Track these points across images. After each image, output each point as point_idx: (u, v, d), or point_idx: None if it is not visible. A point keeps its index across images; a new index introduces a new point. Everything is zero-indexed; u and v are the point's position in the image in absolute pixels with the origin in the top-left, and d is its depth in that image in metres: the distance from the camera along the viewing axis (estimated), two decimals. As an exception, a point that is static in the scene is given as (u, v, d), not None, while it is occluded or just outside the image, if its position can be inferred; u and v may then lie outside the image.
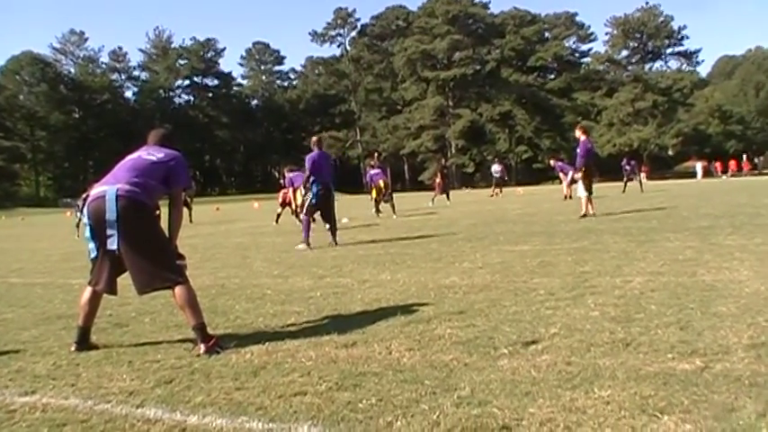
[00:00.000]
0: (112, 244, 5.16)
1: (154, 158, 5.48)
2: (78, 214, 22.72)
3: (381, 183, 23.59)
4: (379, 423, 3.40)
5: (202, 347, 5.07)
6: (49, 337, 6.09)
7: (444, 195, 30.34)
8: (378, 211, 23.39)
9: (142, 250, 5.19)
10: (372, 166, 25.29)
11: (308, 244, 12.77)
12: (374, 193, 23.65)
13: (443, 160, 38.82)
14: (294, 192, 19.03)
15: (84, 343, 5.45)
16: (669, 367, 3.99)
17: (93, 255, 5.43)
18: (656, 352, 4.32)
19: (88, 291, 5.51)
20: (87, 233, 5.37)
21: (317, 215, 13.57)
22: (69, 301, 8.08)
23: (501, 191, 38.17)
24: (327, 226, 13.52)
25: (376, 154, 29.53)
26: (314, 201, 13.04)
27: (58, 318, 7.09)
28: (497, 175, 38.79)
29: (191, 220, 25.33)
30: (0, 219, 56.86)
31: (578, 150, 17.14)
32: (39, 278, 11.01)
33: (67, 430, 3.63)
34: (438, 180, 31.58)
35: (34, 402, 4.15)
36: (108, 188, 5.22)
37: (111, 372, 4.74)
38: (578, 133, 17.63)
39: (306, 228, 13.05)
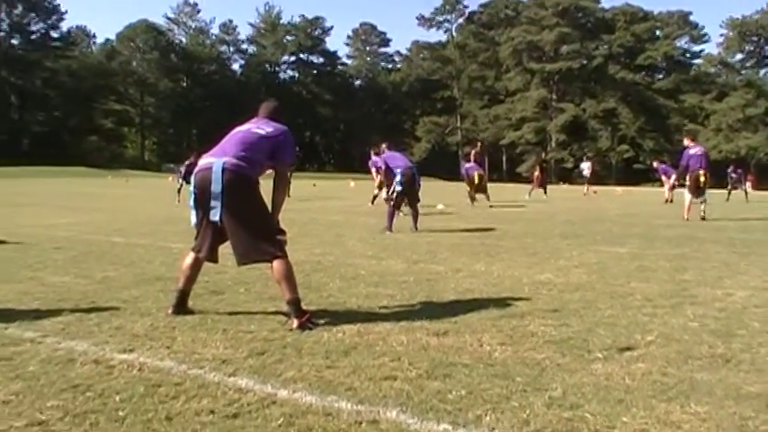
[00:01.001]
0: (215, 215, 5.27)
1: (263, 132, 5.55)
2: (180, 180, 23.28)
3: (476, 174, 23.39)
4: (468, 416, 3.38)
5: (295, 322, 5.13)
6: (148, 298, 6.26)
7: (542, 189, 29.90)
8: (473, 200, 23.21)
9: (244, 223, 5.28)
10: (468, 160, 25.03)
11: (391, 231, 12.79)
12: (469, 185, 23.47)
13: (543, 154, 38.27)
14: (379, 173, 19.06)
15: (181, 306, 5.59)
16: (772, 389, 3.84)
17: (193, 222, 5.56)
18: (758, 372, 4.17)
19: (190, 256, 5.64)
20: (191, 201, 5.49)
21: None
22: (168, 264, 8.30)
23: (594, 189, 37.47)
24: (410, 210, 13.54)
25: (479, 144, 29.12)
26: (399, 187, 13.02)
27: (157, 279, 7.28)
28: (586, 173, 38.18)
29: (288, 194, 25.64)
30: (107, 178, 58.81)
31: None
32: (140, 239, 11.31)
33: (162, 391, 3.71)
34: (536, 173, 31.08)
35: (132, 361, 4.27)
36: (215, 160, 5.32)
37: (205, 338, 4.84)
38: (685, 141, 17.74)
39: (390, 217, 13.04)
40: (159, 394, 3.67)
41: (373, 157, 20.15)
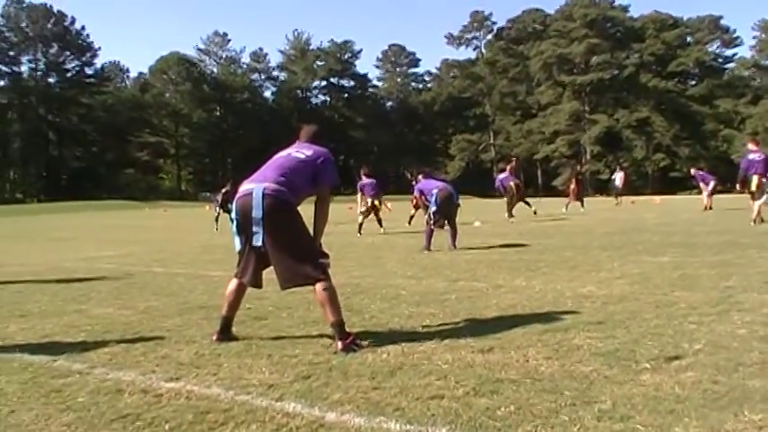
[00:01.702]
0: (257, 240, 5.29)
1: (302, 156, 5.58)
2: (218, 208, 23.45)
3: (512, 184, 23.48)
4: (518, 432, 3.36)
5: (340, 344, 5.14)
6: (192, 326, 6.31)
7: (578, 202, 29.65)
8: (510, 215, 23.16)
9: (286, 247, 5.29)
10: (502, 170, 25.15)
11: (429, 250, 12.79)
12: (508, 196, 23.54)
13: (578, 166, 37.87)
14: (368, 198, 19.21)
15: (225, 333, 5.63)
16: (827, 394, 3.77)
17: (238, 248, 5.59)
18: (811, 376, 4.10)
19: (234, 282, 5.67)
20: (234, 228, 5.53)
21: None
22: (210, 292, 8.36)
23: (632, 200, 36.81)
24: (449, 228, 13.42)
25: (514, 159, 29.12)
26: (434, 207, 12.97)
27: (200, 308, 7.33)
28: (618, 183, 37.71)
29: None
30: (144, 210, 59.39)
31: None
32: (180, 268, 11.41)
33: (210, 418, 3.73)
34: (572, 186, 30.87)
35: (179, 389, 4.30)
36: (255, 186, 5.35)
37: (250, 364, 4.86)
38: (749, 145, 18.65)
39: (428, 237, 13.03)
40: (208, 421, 3.69)
41: (364, 179, 19.69)
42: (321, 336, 5.59)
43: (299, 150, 5.67)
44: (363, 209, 19.34)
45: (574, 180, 31.54)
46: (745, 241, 12.68)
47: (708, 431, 3.29)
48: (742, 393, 3.81)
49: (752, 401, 3.66)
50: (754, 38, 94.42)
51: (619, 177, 38.22)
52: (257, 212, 5.25)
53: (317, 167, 5.55)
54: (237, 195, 5.50)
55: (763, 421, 3.37)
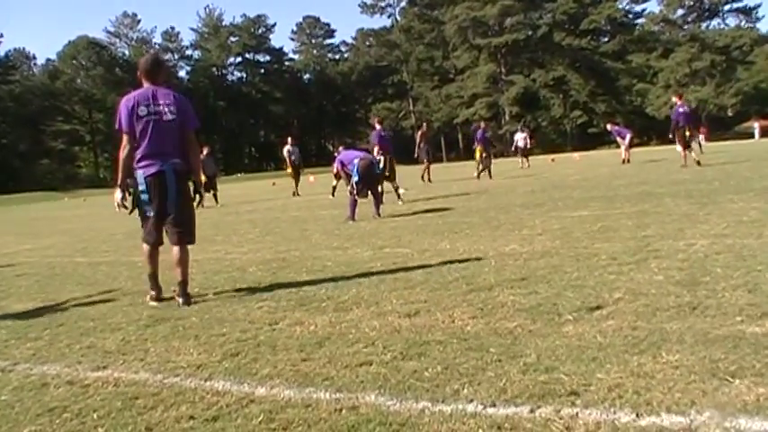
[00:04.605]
0: (171, 210, 6.12)
1: (172, 117, 6.10)
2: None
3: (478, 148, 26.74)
4: (446, 391, 3.41)
5: (181, 300, 6.08)
6: (117, 313, 6.21)
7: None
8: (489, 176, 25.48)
9: (187, 212, 6.26)
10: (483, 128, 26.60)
11: (354, 220, 12.78)
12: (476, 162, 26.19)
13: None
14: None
15: (157, 287, 6.35)
16: (738, 330, 3.93)
17: (149, 214, 6.22)
18: (724, 315, 4.26)
19: (146, 247, 6.38)
20: (145, 197, 6.11)
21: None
22: (134, 278, 8.23)
23: (528, 161, 36.32)
24: (371, 197, 13.43)
25: (424, 124, 30.03)
26: (356, 177, 12.94)
27: (124, 294, 7.21)
28: (521, 144, 37.34)
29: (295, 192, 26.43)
30: (63, 200, 58.02)
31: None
32: (103, 257, 11.22)
33: (140, 403, 3.70)
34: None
35: (106, 377, 4.24)
36: (166, 166, 6.03)
37: (178, 346, 4.82)
38: (674, 98, 21.43)
39: (352, 207, 12.99)
40: (137, 407, 3.65)
41: (377, 129, 18.70)
42: (248, 313, 5.57)
43: (165, 108, 6.09)
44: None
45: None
46: (661, 191, 13.03)
47: (629, 374, 3.38)
48: (660, 337, 3.93)
49: (669, 343, 3.79)
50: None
51: (521, 138, 37.83)
52: (172, 187, 5.98)
53: (184, 121, 6.17)
54: (147, 172, 6.03)
55: (679, 361, 3.49)
